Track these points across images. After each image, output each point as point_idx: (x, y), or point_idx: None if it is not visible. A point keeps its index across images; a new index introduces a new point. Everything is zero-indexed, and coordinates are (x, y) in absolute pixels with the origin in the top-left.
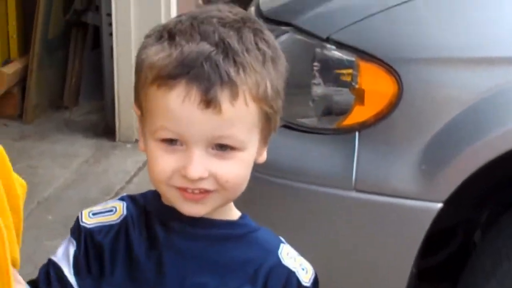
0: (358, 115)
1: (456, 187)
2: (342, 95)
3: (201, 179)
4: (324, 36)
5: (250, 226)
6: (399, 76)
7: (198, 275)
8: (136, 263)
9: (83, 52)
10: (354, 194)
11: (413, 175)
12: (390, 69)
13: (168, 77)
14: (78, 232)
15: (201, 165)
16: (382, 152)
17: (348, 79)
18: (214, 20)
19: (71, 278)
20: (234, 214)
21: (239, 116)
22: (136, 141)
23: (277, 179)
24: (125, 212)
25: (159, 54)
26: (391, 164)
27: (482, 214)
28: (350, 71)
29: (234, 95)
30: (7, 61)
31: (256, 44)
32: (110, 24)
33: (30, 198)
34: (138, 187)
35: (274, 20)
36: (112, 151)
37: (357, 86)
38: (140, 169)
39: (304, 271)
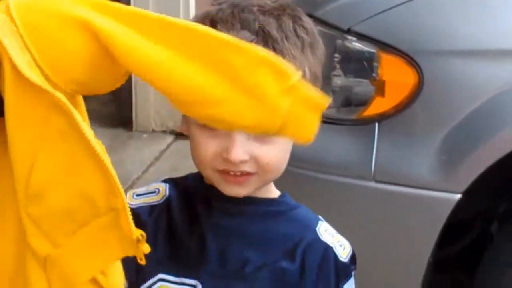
0: (378, 106)
1: (475, 178)
2: (362, 86)
3: (242, 162)
4: (345, 28)
5: (290, 204)
6: (419, 67)
7: (240, 250)
8: (178, 240)
9: None
10: (373, 184)
11: (432, 166)
12: (410, 61)
13: None
14: None
15: (242, 148)
16: (401, 143)
17: (369, 70)
18: (255, 9)
19: None
20: (274, 192)
21: None
22: (153, 131)
23: (297, 169)
24: (167, 193)
25: None
26: (410, 155)
27: (499, 206)
28: (370, 62)
29: None
30: None
31: (295, 31)
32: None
33: None
34: (155, 176)
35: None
36: (129, 141)
37: (377, 78)
38: (156, 158)
39: (341, 247)
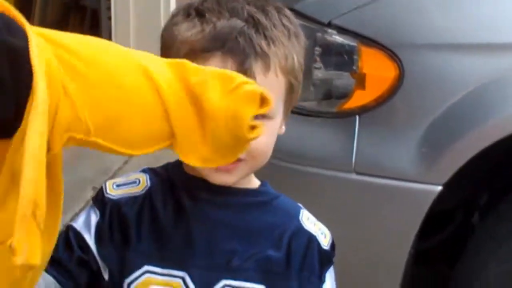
0: (358, 99)
1: (455, 171)
2: (342, 79)
3: None
4: (326, 21)
5: (272, 193)
6: (400, 61)
7: (226, 242)
8: (163, 232)
9: None
10: (354, 176)
11: (412, 158)
12: (391, 54)
13: (202, 50)
14: (103, 202)
15: None
16: (382, 136)
17: (349, 63)
18: None
19: (92, 246)
20: (255, 182)
21: (271, 86)
22: None
23: (278, 162)
24: (148, 184)
25: (191, 30)
26: (391, 147)
27: (481, 197)
28: (351, 55)
29: (266, 67)
30: None
31: (281, 20)
32: (109, 8)
33: None
34: (136, 167)
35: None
36: None
37: (358, 71)
38: None
39: (323, 235)
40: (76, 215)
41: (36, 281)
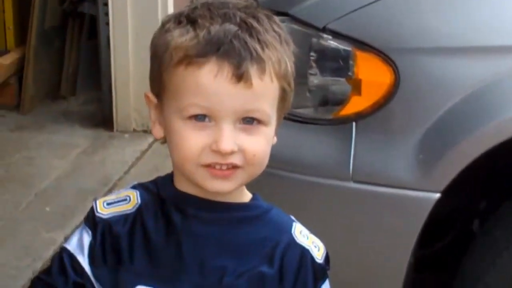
0: (355, 105)
1: (454, 177)
2: (338, 85)
3: (232, 152)
4: (321, 26)
5: (263, 207)
6: (396, 66)
7: (217, 258)
8: (155, 250)
9: (80, 42)
10: (351, 184)
11: (410, 165)
12: (387, 59)
13: (197, 55)
14: (94, 222)
15: (231, 138)
16: (379, 142)
17: (345, 69)
18: (230, 5)
19: (86, 267)
20: (246, 196)
21: (266, 91)
22: (135, 130)
23: (274, 170)
24: (139, 201)
25: (185, 36)
26: (388, 154)
27: (480, 204)
28: (346, 61)
29: (262, 70)
30: (3, 52)
31: (271, 26)
32: (107, 14)
33: (27, 190)
34: (136, 177)
35: (270, 10)
36: (110, 141)
37: (353, 76)
38: (138, 159)
39: (316, 248)
40: (77, 227)
41: None
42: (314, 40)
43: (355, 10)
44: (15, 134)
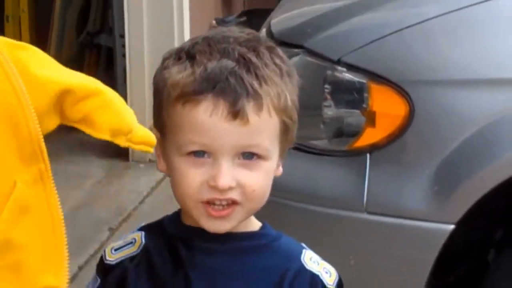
0: (369, 137)
1: (468, 208)
2: (353, 117)
3: (230, 188)
4: (335, 58)
5: (272, 235)
6: (410, 98)
7: None
8: (163, 285)
9: (97, 73)
10: (365, 216)
11: (425, 197)
12: (401, 91)
13: (193, 93)
14: (103, 269)
15: (229, 174)
16: (393, 174)
17: (359, 101)
18: (230, 40)
19: None
20: (255, 225)
21: (264, 126)
22: (150, 161)
23: (288, 201)
24: (143, 241)
25: (182, 73)
26: (403, 185)
27: (496, 234)
28: (361, 93)
29: (259, 107)
30: None
31: (272, 59)
32: (123, 46)
33: None
34: (151, 207)
35: (285, 42)
36: (125, 171)
37: (368, 108)
38: (153, 188)
39: (327, 274)
40: (91, 257)
41: None
42: (329, 72)
43: (370, 42)
44: None
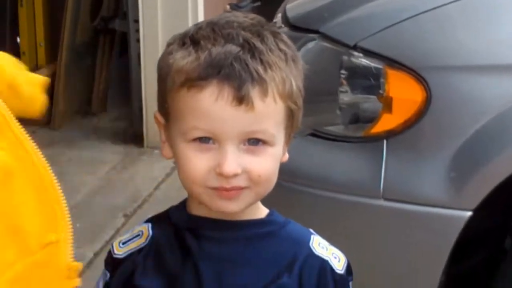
0: (386, 123)
1: (486, 195)
2: (369, 103)
3: (235, 175)
4: (351, 44)
5: (279, 222)
6: (427, 83)
7: (236, 277)
8: (172, 276)
9: (111, 58)
10: (382, 202)
11: (442, 183)
12: (418, 77)
13: (198, 78)
14: (112, 263)
15: (235, 161)
16: (410, 160)
17: (376, 87)
18: (235, 25)
19: None
20: (262, 212)
21: (269, 112)
22: None
23: (304, 188)
24: (151, 233)
25: (186, 59)
26: (420, 172)
27: None
28: (377, 78)
29: (264, 92)
30: (35, 68)
31: (277, 44)
32: (138, 31)
33: None
34: (166, 193)
35: (301, 28)
36: (140, 157)
37: (384, 94)
38: (168, 175)
39: (336, 259)
40: (107, 243)
41: None
42: (345, 57)
43: (386, 28)
44: (46, 150)
